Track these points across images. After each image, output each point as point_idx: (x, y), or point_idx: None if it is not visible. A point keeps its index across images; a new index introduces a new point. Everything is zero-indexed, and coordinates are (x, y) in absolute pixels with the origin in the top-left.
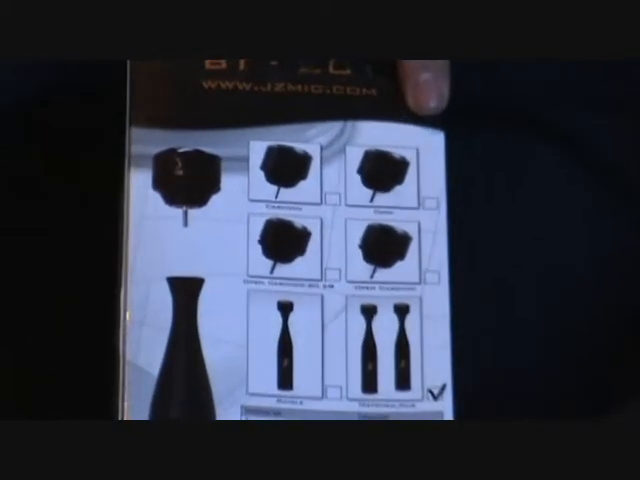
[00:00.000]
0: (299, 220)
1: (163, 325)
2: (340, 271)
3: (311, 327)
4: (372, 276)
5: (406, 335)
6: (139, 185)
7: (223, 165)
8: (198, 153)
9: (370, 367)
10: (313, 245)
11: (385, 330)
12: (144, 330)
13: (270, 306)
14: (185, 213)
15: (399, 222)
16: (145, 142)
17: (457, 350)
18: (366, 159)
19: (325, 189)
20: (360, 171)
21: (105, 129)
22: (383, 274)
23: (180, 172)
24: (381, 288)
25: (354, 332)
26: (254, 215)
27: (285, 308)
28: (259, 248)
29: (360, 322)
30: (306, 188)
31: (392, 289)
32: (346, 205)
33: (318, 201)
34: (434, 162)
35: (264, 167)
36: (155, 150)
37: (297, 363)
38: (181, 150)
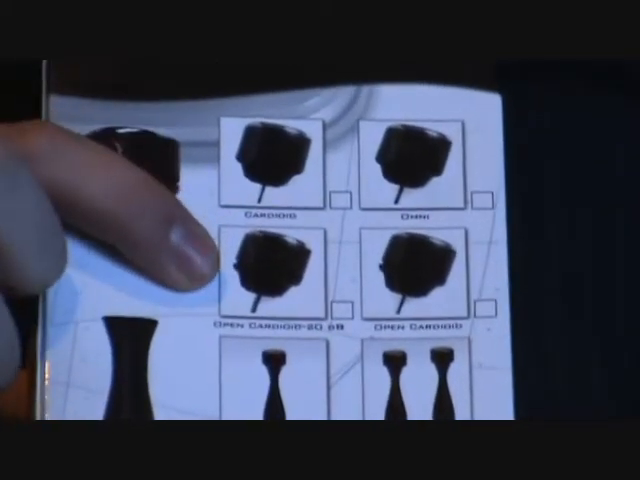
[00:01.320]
0: (293, 233)
1: (97, 387)
2: (353, 305)
3: (311, 388)
4: (399, 310)
5: (449, 395)
6: None
7: (182, 154)
8: (146, 136)
9: None
10: (314, 268)
11: (418, 388)
12: (70, 394)
13: (252, 359)
14: None
15: (437, 230)
16: (67, 116)
17: (520, 413)
18: (389, 140)
19: (330, 186)
20: (381, 158)
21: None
22: (415, 306)
23: None
24: (413, 327)
25: (374, 392)
26: (227, 228)
27: (274, 361)
28: (236, 276)
29: (383, 377)
30: (302, 186)
31: (428, 328)
32: (361, 209)
33: (320, 204)
34: (487, 141)
35: (242, 156)
36: (84, 129)
37: None
38: (121, 131)
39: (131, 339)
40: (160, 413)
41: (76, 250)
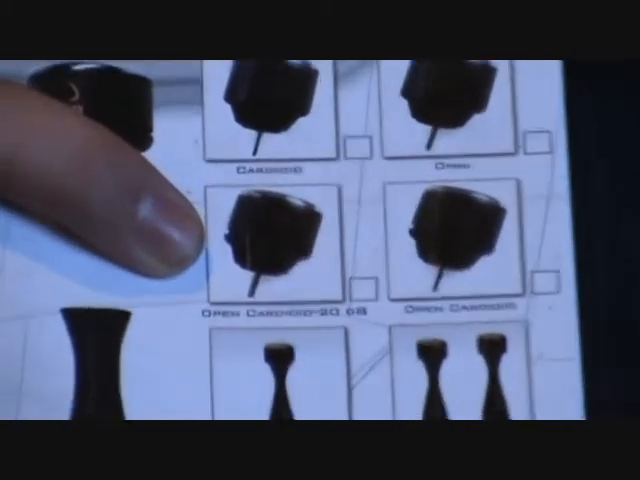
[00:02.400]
0: (298, 192)
1: (56, 397)
2: (377, 282)
3: (328, 390)
4: (436, 287)
5: (502, 393)
6: None
7: (155, 95)
8: (110, 73)
9: None
10: (326, 238)
11: (462, 386)
12: (23, 406)
13: (252, 356)
14: None
15: (481, 182)
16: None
17: (591, 412)
18: (417, 70)
19: (344, 131)
20: (407, 92)
21: None
22: (456, 282)
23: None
24: (454, 309)
25: (407, 393)
26: (216, 188)
27: (279, 358)
28: (227, 250)
29: (417, 374)
30: (309, 131)
31: (473, 309)
32: (384, 158)
33: (332, 154)
34: (542, 68)
35: (231, 96)
36: (24, 68)
37: None
38: (78, 67)
39: (99, 334)
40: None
41: (20, 233)
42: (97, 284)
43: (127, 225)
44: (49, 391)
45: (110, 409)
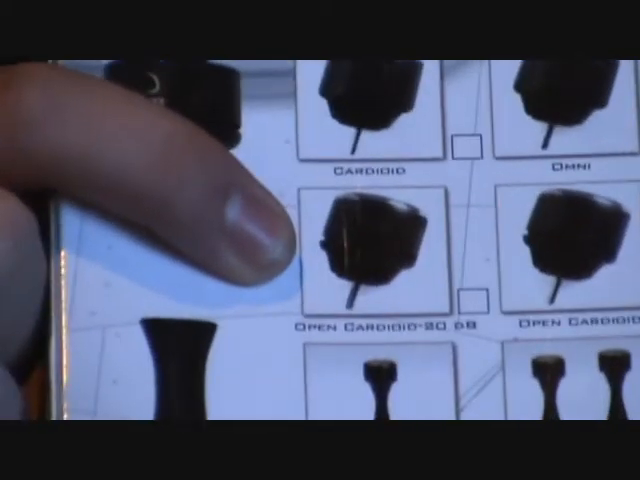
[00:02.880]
0: (401, 195)
1: (134, 415)
2: (488, 293)
3: (434, 411)
4: (553, 299)
5: (625, 414)
6: None
7: (244, 88)
8: (195, 65)
9: None
10: (432, 245)
11: (582, 406)
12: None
13: (350, 373)
14: None
15: (603, 185)
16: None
17: None
18: (533, 62)
19: (451, 128)
20: (521, 86)
21: None
22: (575, 293)
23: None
24: (573, 323)
25: (520, 413)
26: (310, 190)
27: (381, 376)
28: (323, 258)
29: (532, 392)
30: (413, 128)
31: (594, 323)
32: (495, 158)
33: (439, 153)
34: None
35: (327, 90)
36: (99, 62)
37: None
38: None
39: (181, 347)
40: None
41: (98, 237)
42: (181, 293)
43: (215, 226)
44: (125, 407)
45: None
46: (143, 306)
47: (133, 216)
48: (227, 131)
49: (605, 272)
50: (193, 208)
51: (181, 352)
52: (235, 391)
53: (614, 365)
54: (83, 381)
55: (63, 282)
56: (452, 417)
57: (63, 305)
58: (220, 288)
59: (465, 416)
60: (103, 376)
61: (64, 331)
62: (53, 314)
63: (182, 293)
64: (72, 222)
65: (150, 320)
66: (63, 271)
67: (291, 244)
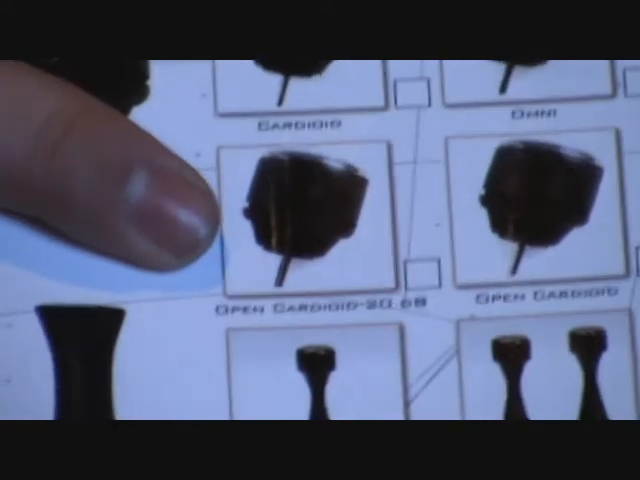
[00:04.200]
0: (337, 153)
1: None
2: (439, 264)
3: (378, 405)
4: (515, 269)
5: (600, 400)
6: None
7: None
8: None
9: None
10: (373, 209)
11: (550, 394)
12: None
13: (281, 363)
14: None
15: (570, 134)
16: None
17: None
18: None
19: (394, 71)
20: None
21: None
22: (541, 262)
23: None
24: (538, 297)
25: (480, 405)
26: (231, 150)
27: (317, 365)
28: (247, 228)
29: (492, 379)
30: (349, 74)
31: (563, 296)
32: (445, 105)
33: (380, 101)
34: None
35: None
36: None
37: None
38: None
39: (85, 337)
40: None
41: None
42: (83, 277)
43: (119, 211)
44: (21, 407)
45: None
46: (39, 293)
47: (19, 208)
48: (134, 84)
49: (575, 237)
50: (87, 195)
51: (84, 343)
52: (148, 387)
53: (587, 345)
54: None
55: None
56: (400, 409)
57: None
58: (129, 269)
59: (415, 408)
60: None
61: None
62: None
63: (85, 276)
64: None
65: (47, 307)
66: None
67: (213, 218)
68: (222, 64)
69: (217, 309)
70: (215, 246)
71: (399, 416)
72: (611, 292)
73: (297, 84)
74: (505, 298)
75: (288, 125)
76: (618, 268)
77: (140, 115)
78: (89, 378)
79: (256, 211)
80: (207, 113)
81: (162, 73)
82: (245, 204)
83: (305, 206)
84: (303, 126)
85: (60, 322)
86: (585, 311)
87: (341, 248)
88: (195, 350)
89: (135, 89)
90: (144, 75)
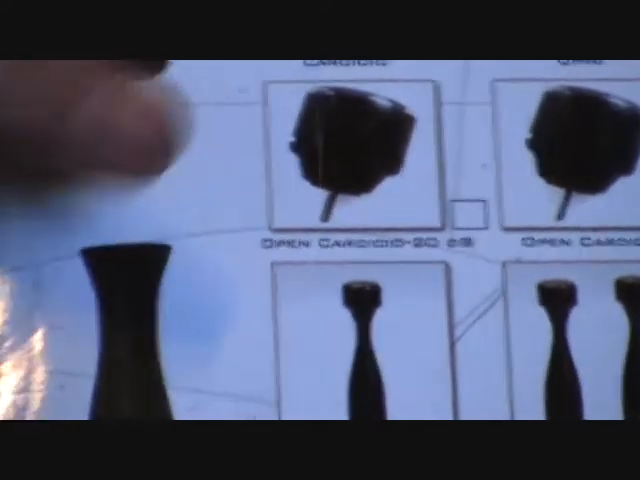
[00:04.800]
0: (384, 90)
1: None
2: (486, 206)
3: (424, 342)
4: (562, 214)
5: None
6: None
7: None
8: None
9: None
10: (420, 148)
11: (597, 340)
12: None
13: (326, 297)
14: None
15: (617, 83)
16: None
17: None
18: None
19: None
20: None
21: None
22: (587, 208)
23: None
24: (585, 242)
25: (524, 347)
26: (278, 85)
27: (361, 300)
28: (294, 163)
29: (538, 323)
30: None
31: (610, 244)
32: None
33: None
34: None
35: None
36: None
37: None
38: None
39: (131, 275)
40: (181, 393)
41: None
42: (127, 217)
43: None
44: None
45: (145, 359)
46: (83, 236)
47: None
48: None
49: (622, 185)
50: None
51: (131, 281)
52: (194, 322)
53: (633, 294)
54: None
55: None
56: (445, 348)
57: None
58: (170, 205)
59: (460, 348)
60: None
61: None
62: None
63: (128, 215)
64: None
65: (91, 249)
66: None
67: (170, 124)
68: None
69: (263, 242)
70: (261, 180)
71: (445, 353)
72: None
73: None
74: (551, 243)
75: (334, 61)
76: None
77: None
78: (136, 316)
79: (303, 146)
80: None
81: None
82: (292, 138)
83: (352, 142)
84: (351, 63)
85: (106, 262)
86: (632, 260)
87: (388, 185)
88: (241, 284)
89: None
90: None
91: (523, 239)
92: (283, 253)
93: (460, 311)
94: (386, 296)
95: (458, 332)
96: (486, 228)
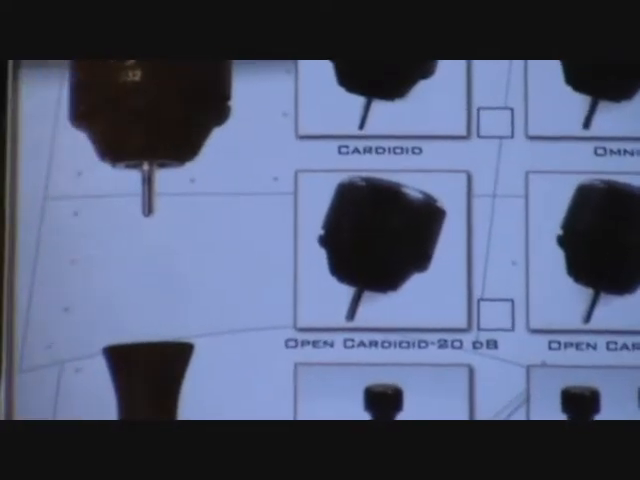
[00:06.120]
0: (416, 182)
1: None
2: (513, 305)
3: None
4: (589, 316)
5: None
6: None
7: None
8: None
9: None
10: (449, 242)
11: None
12: None
13: (348, 400)
14: (147, 180)
15: None
16: None
17: None
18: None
19: (478, 96)
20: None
21: None
22: (616, 310)
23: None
24: (612, 347)
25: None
26: (309, 174)
27: (384, 404)
28: (321, 257)
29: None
30: (433, 97)
31: (636, 348)
32: (527, 137)
33: (462, 130)
34: None
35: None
36: None
37: None
38: None
39: (152, 372)
40: None
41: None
42: (149, 314)
43: None
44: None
45: None
46: (105, 335)
47: None
48: (215, 105)
49: None
50: None
51: (153, 379)
52: (216, 416)
53: None
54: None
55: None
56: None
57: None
58: (194, 302)
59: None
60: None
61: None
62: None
63: (152, 314)
64: None
65: (115, 347)
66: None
67: None
68: (305, 83)
69: (286, 343)
70: (288, 275)
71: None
72: None
73: (380, 106)
74: (577, 346)
75: (368, 150)
76: None
77: (220, 136)
78: (157, 414)
79: (333, 238)
80: (288, 134)
81: (243, 93)
82: (320, 231)
83: (382, 236)
84: (385, 151)
85: (127, 361)
86: None
87: (415, 283)
88: (263, 384)
89: (216, 110)
90: (225, 96)
91: (550, 343)
92: (307, 353)
93: (482, 416)
94: (407, 400)
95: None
96: (512, 329)
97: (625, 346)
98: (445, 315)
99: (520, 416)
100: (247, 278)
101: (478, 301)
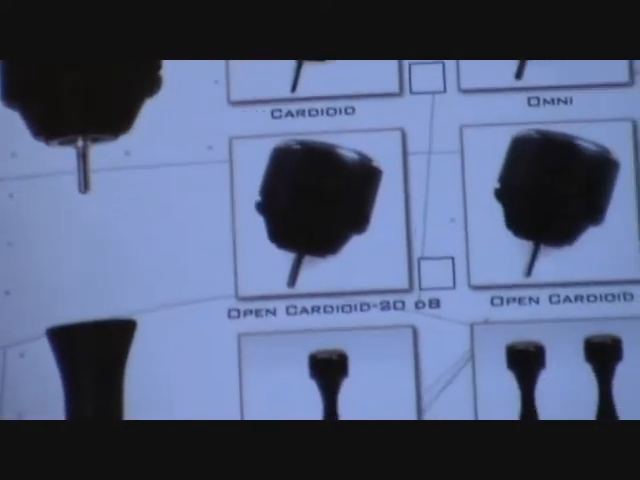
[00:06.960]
0: (351, 141)
1: None
2: (454, 263)
3: (391, 411)
4: (530, 269)
5: (614, 412)
6: None
7: None
8: None
9: None
10: (387, 203)
11: (564, 402)
12: None
13: (293, 368)
14: (82, 156)
15: (586, 125)
16: None
17: None
18: None
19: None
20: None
21: None
22: (557, 263)
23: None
24: (554, 300)
25: (493, 411)
26: (243, 140)
27: (329, 371)
28: (259, 224)
29: (506, 386)
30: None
31: (579, 300)
32: (460, 90)
33: (394, 87)
34: None
35: None
36: None
37: None
38: None
39: (98, 352)
40: None
41: None
42: (92, 293)
43: None
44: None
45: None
46: (47, 316)
47: None
48: (147, 75)
49: (591, 236)
50: None
51: (98, 358)
52: (160, 395)
53: (603, 354)
54: None
55: None
56: (414, 417)
57: None
58: (134, 278)
59: (429, 416)
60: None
61: None
62: None
63: (94, 291)
64: None
65: (57, 328)
66: None
67: None
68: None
69: (229, 313)
70: (226, 243)
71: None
72: (627, 298)
73: (310, 71)
74: (519, 301)
75: (301, 112)
76: (635, 272)
77: (153, 107)
78: (102, 393)
79: (270, 204)
80: (219, 101)
81: (174, 62)
82: (257, 197)
83: (319, 199)
84: (317, 113)
85: (72, 341)
86: (602, 317)
87: (353, 245)
88: (206, 356)
89: (148, 80)
90: (156, 65)
91: (492, 298)
92: (250, 323)
93: (428, 378)
94: (353, 365)
95: (426, 399)
96: (454, 287)
97: (568, 298)
98: (386, 276)
99: (466, 375)
100: (186, 250)
101: (418, 260)
